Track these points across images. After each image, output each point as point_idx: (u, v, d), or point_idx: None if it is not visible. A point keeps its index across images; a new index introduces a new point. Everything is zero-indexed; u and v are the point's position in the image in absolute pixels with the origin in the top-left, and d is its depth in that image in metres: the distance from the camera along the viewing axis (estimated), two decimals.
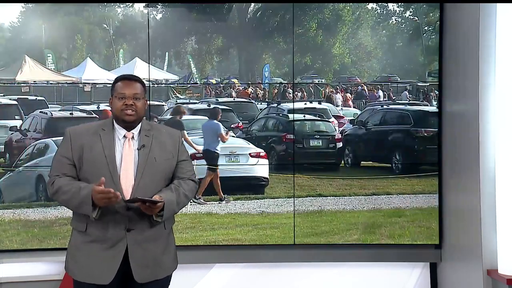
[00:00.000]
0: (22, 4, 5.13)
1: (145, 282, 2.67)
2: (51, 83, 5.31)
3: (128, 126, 2.70)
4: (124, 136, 2.70)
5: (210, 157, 4.98)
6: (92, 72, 5.40)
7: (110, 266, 2.62)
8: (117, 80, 2.74)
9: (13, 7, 5.09)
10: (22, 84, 5.14)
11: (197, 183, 2.85)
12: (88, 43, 5.62)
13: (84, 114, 5.15)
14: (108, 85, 5.37)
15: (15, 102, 5.06)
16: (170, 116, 5.16)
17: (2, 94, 4.86)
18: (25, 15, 5.22)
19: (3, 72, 5.03)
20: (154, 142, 2.71)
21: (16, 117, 5.07)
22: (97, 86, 5.38)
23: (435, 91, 4.91)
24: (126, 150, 2.66)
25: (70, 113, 5.11)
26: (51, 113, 5.05)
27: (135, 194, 2.61)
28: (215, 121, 4.99)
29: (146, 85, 2.79)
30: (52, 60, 5.33)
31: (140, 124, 2.73)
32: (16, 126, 5.03)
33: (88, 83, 5.33)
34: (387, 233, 4.68)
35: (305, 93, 5.51)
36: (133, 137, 2.70)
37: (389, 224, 4.73)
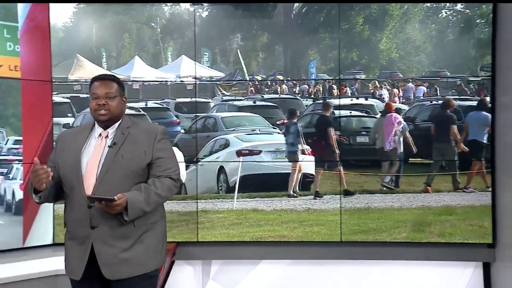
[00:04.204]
0: (74, 5, 5.28)
1: (116, 279, 2.63)
2: None
3: (105, 125, 2.69)
4: (100, 135, 2.70)
5: (478, 147, 4.75)
6: (140, 70, 5.51)
7: (79, 262, 2.63)
8: (92, 80, 2.73)
9: (66, 7, 5.24)
10: (74, 83, 5.29)
11: (176, 180, 2.69)
12: (136, 42, 5.74)
13: (133, 111, 5.25)
14: (157, 83, 5.52)
15: (68, 100, 5.21)
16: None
17: (55, 93, 5.02)
18: (77, 15, 5.38)
19: (56, 71, 5.20)
20: (128, 140, 2.67)
21: (69, 114, 5.23)
22: (145, 83, 5.49)
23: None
24: (97, 149, 2.65)
25: None
26: None
27: (95, 193, 2.58)
28: (484, 112, 4.71)
29: (123, 83, 2.75)
30: (105, 59, 5.47)
31: (119, 122, 2.71)
32: (69, 124, 5.18)
33: (137, 81, 5.44)
34: (437, 231, 4.56)
35: (348, 89, 5.43)
36: (107, 135, 2.69)
37: (439, 222, 4.60)
